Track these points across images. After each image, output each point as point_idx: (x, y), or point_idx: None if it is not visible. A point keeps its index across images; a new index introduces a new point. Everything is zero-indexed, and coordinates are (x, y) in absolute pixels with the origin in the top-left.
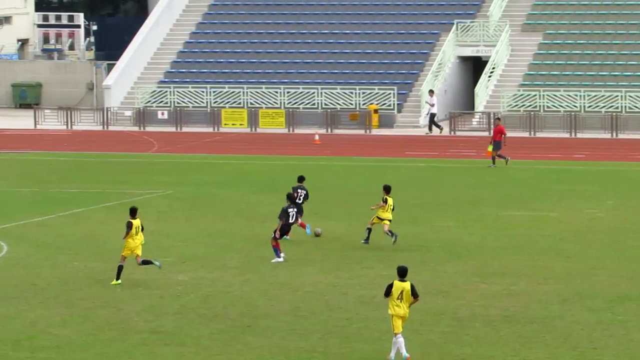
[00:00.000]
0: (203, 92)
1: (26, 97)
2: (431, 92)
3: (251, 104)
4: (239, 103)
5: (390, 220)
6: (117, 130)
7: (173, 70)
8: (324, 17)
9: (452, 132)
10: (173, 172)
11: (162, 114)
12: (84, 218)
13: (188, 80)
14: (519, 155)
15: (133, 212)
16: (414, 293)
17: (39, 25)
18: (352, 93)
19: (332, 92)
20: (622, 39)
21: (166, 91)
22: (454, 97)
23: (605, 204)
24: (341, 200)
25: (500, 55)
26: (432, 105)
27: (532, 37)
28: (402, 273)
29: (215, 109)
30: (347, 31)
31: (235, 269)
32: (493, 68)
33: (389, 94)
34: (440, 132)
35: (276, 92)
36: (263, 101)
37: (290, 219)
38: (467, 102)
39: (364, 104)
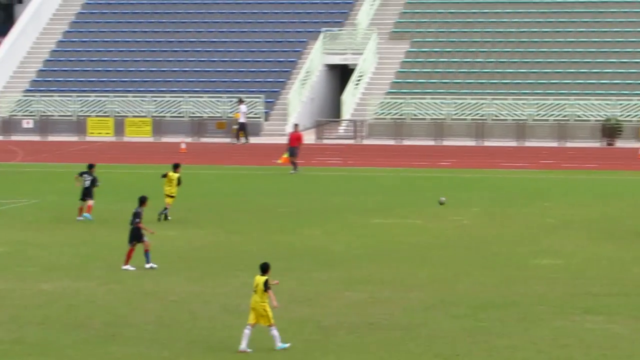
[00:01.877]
0: (69, 100)
1: None
2: (240, 101)
3: (117, 112)
4: (105, 112)
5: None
6: None
7: (39, 79)
8: (192, 25)
9: (319, 140)
10: (38, 182)
11: (28, 122)
12: None
13: (54, 89)
14: (385, 163)
15: None
16: (265, 286)
17: None
18: (219, 101)
19: (198, 101)
20: (488, 47)
21: (32, 100)
22: (321, 105)
23: (470, 211)
24: (207, 208)
25: (368, 64)
26: (242, 114)
27: (399, 45)
28: (263, 269)
29: (81, 117)
30: (214, 39)
31: (100, 279)
32: (360, 76)
33: (256, 102)
34: (245, 143)
35: (143, 100)
36: (129, 110)
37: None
38: (334, 110)
39: (230, 113)
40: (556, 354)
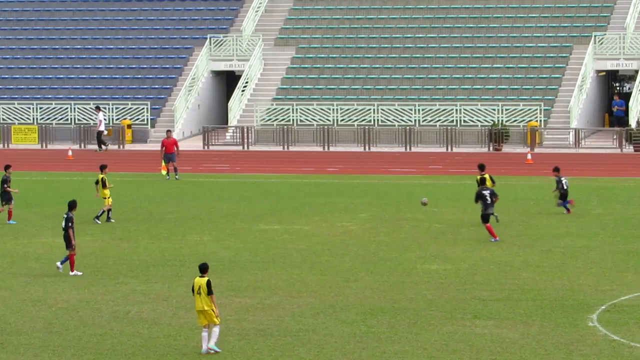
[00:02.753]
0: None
1: None
2: (98, 108)
3: (3, 119)
4: (28, 119)
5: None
6: None
7: None
8: (77, 32)
9: (206, 147)
10: None
11: None
12: None
13: None
14: (272, 169)
15: None
16: (209, 289)
17: None
18: (105, 108)
19: (85, 108)
20: (374, 53)
21: None
22: (208, 112)
23: (358, 217)
24: (94, 215)
25: (254, 70)
26: (100, 122)
27: (285, 51)
28: (202, 269)
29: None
30: (100, 46)
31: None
32: (246, 82)
33: (142, 108)
34: (104, 150)
35: (29, 107)
36: (16, 117)
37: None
38: (221, 116)
39: (117, 119)
40: (447, 359)
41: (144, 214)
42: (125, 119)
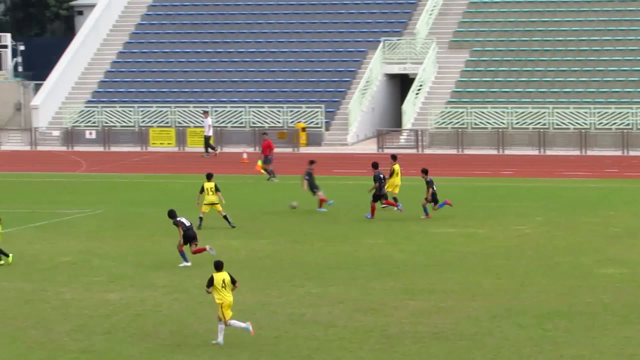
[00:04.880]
0: (131, 111)
1: None
2: (205, 113)
3: (179, 123)
4: (167, 122)
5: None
6: (44, 150)
7: (101, 89)
8: (252, 35)
9: (380, 150)
10: (101, 192)
11: (90, 133)
12: (13, 238)
13: (116, 99)
14: (446, 172)
15: None
16: (233, 280)
17: None
18: (279, 111)
19: (259, 111)
20: (548, 56)
21: (94, 111)
22: (382, 115)
23: (534, 221)
24: (270, 218)
25: (428, 73)
26: (209, 127)
27: (459, 54)
28: (219, 267)
29: (143, 128)
30: (275, 49)
31: (164, 288)
32: (420, 85)
33: (317, 112)
34: (214, 154)
35: (204, 110)
36: (191, 120)
37: (187, 223)
38: (395, 119)
39: (291, 122)
40: None
41: (318, 216)
42: (299, 122)
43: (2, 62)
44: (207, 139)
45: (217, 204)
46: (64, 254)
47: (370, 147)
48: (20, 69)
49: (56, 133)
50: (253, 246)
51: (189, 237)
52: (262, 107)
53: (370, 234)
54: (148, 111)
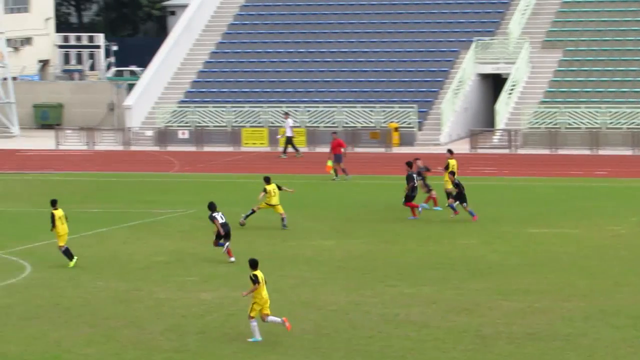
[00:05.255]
0: (223, 111)
1: (48, 118)
2: (286, 114)
3: (271, 123)
4: (259, 122)
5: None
6: (138, 150)
7: (193, 89)
8: (344, 35)
9: (473, 150)
10: (194, 192)
11: (183, 133)
12: (107, 238)
13: (208, 99)
14: (540, 173)
15: (53, 203)
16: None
17: (60, 46)
18: (372, 111)
19: (352, 111)
20: None
21: (187, 111)
22: (475, 115)
23: (628, 221)
24: (363, 218)
25: (521, 73)
26: (289, 128)
27: (552, 53)
28: (255, 264)
29: (236, 128)
30: (367, 49)
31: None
32: (513, 85)
33: (409, 112)
34: (300, 155)
35: (296, 111)
36: (284, 120)
37: (222, 220)
38: (488, 119)
39: (384, 122)
40: None
41: (409, 216)
42: (392, 122)
43: (95, 62)
44: (288, 140)
45: (278, 205)
46: (158, 253)
47: (463, 147)
48: (113, 69)
49: (149, 133)
50: (346, 246)
51: (224, 232)
52: (355, 107)
53: (464, 235)
54: (240, 111)
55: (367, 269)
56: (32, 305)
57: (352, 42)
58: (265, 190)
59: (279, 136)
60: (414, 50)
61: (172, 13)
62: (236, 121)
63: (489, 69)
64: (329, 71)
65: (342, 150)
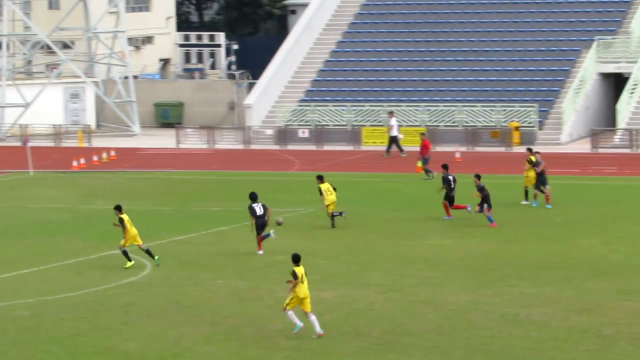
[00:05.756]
0: (343, 110)
1: (168, 117)
2: (391, 114)
3: (401, 123)
4: (379, 121)
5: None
6: (258, 148)
7: (313, 89)
8: (464, 34)
9: (594, 150)
10: (314, 191)
11: (303, 132)
12: (227, 236)
13: (328, 98)
14: None
15: (119, 209)
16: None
17: (180, 45)
18: (492, 110)
19: (472, 110)
20: None
21: (307, 110)
22: (596, 114)
23: None
24: (482, 217)
25: None
26: (392, 127)
27: None
28: (297, 259)
29: (356, 127)
30: (487, 48)
31: (378, 287)
32: (635, 85)
33: (530, 111)
34: (405, 155)
35: (416, 110)
36: (403, 119)
37: (259, 212)
38: (609, 119)
39: (504, 122)
40: None
41: (531, 216)
42: (512, 121)
43: (216, 61)
44: (392, 139)
45: (332, 204)
46: (278, 252)
47: (584, 147)
48: (234, 68)
49: (269, 132)
50: (466, 246)
51: (258, 225)
52: (475, 106)
53: (584, 234)
54: (360, 110)
55: (487, 268)
56: (153, 303)
57: (473, 41)
58: (320, 191)
59: (400, 136)
60: (535, 50)
61: (293, 12)
62: (356, 120)
63: (611, 68)
64: (449, 70)
65: (427, 151)
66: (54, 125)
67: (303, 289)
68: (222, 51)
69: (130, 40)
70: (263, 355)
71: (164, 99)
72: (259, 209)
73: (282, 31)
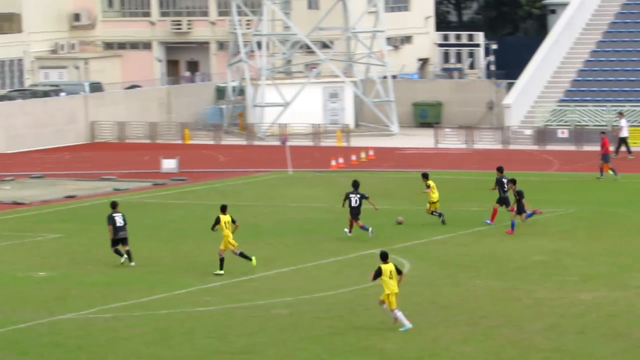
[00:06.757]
0: (603, 110)
1: (426, 116)
2: (620, 114)
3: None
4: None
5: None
6: (516, 149)
7: (573, 88)
8: None
9: None
10: (574, 191)
11: (563, 132)
12: (485, 236)
13: (588, 98)
14: None
15: (223, 209)
16: (399, 271)
17: (439, 45)
18: None
19: None
20: None
21: (566, 110)
22: None
23: None
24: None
25: None
26: (621, 128)
27: None
28: (385, 257)
29: (616, 127)
30: None
31: (638, 289)
32: None
33: None
34: (631, 156)
35: None
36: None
37: (354, 203)
38: None
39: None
40: None
41: None
42: (619, 126)
43: (475, 61)
44: (621, 140)
45: (437, 202)
46: (536, 252)
47: None
48: (492, 68)
49: (528, 132)
50: None
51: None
52: None
53: None
54: (621, 110)
55: None
56: (411, 302)
57: None
58: (428, 187)
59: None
60: None
61: (553, 11)
62: (616, 120)
63: None
64: None
65: (606, 150)
66: (313, 124)
67: (390, 285)
68: (480, 51)
69: (389, 39)
70: (521, 355)
71: (423, 99)
72: (355, 199)
73: (542, 31)
